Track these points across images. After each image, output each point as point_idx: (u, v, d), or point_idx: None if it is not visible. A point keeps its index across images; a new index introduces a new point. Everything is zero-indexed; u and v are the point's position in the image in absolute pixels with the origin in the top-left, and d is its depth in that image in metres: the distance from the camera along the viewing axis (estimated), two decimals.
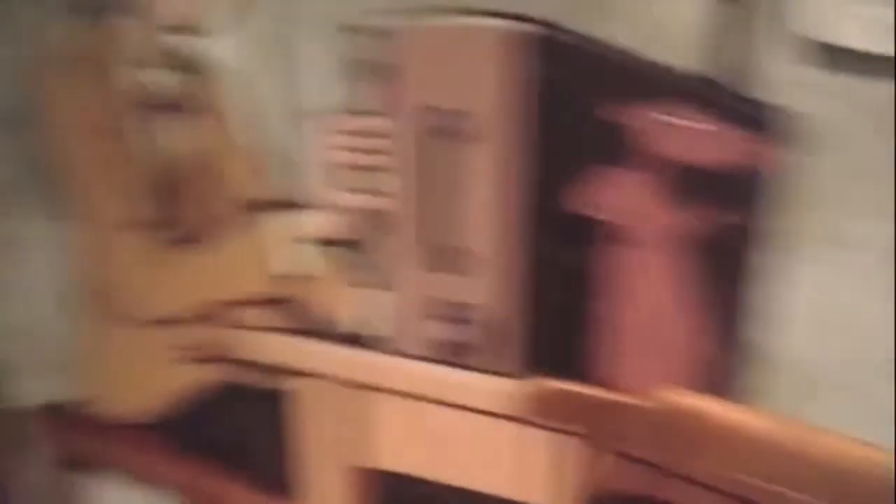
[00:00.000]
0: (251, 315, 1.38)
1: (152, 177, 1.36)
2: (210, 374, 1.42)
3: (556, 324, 1.03)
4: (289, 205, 1.36)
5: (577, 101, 1.01)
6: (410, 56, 1.03)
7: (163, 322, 1.38)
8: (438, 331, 1.05)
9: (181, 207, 1.39)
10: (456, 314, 1.04)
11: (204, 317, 1.38)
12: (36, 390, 1.71)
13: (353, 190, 1.13)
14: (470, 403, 1.02)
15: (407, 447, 1.08)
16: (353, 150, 1.12)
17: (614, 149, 1.03)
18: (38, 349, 1.70)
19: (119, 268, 1.35)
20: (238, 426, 1.40)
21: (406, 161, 1.04)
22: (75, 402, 1.55)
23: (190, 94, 1.42)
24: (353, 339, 1.09)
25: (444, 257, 1.04)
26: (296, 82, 1.49)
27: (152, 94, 1.34)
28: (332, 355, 1.10)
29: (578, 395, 0.96)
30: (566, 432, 0.96)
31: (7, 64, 1.41)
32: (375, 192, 1.09)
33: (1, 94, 1.45)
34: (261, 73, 1.47)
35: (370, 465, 1.10)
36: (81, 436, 1.56)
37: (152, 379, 1.45)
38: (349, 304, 1.11)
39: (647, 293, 1.07)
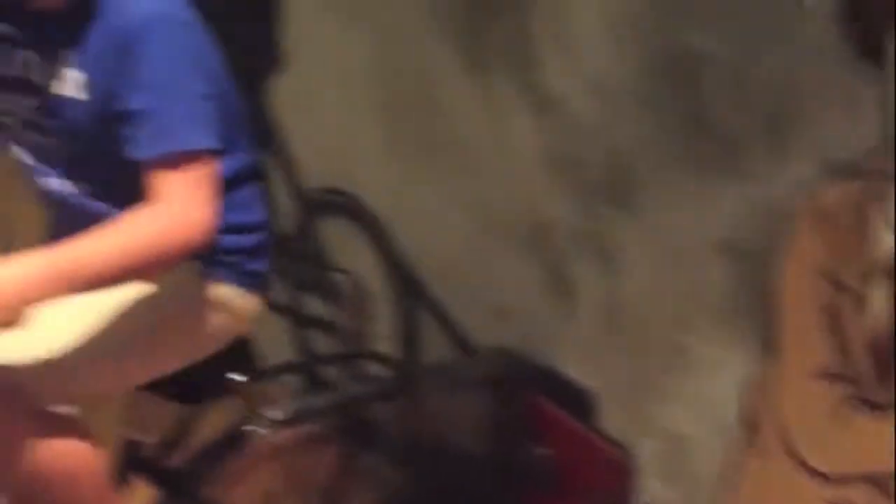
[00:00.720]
0: None
1: (868, 336, 1.39)
2: None
3: None
4: None
5: None
6: None
7: (823, 476, 1.40)
8: None
9: (884, 372, 1.40)
10: None
11: (870, 483, 1.37)
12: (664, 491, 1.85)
13: None
14: None
15: None
16: None
17: None
18: (687, 458, 1.83)
19: (799, 412, 1.39)
20: None
21: None
22: None
23: None
24: None
25: None
26: None
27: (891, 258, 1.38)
28: None
29: None
30: None
31: (762, 203, 1.56)
32: None
33: (746, 233, 1.61)
34: None
35: None
36: None
37: None
38: None
39: None
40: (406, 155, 2.47)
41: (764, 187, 1.57)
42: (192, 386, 1.83)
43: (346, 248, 2.64)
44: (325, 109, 2.64)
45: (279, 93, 2.77)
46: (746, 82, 1.58)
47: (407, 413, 2.15)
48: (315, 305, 2.61)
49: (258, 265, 1.75)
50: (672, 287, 1.81)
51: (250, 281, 1.73)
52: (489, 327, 2.25)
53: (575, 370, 2.04)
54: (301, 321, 2.71)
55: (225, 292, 1.70)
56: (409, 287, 2.46)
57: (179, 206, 1.46)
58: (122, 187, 1.53)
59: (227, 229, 1.67)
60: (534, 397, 2.08)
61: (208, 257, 1.66)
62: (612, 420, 1.96)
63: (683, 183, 1.73)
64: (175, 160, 1.46)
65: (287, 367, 2.49)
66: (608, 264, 1.93)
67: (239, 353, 1.88)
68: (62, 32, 1.53)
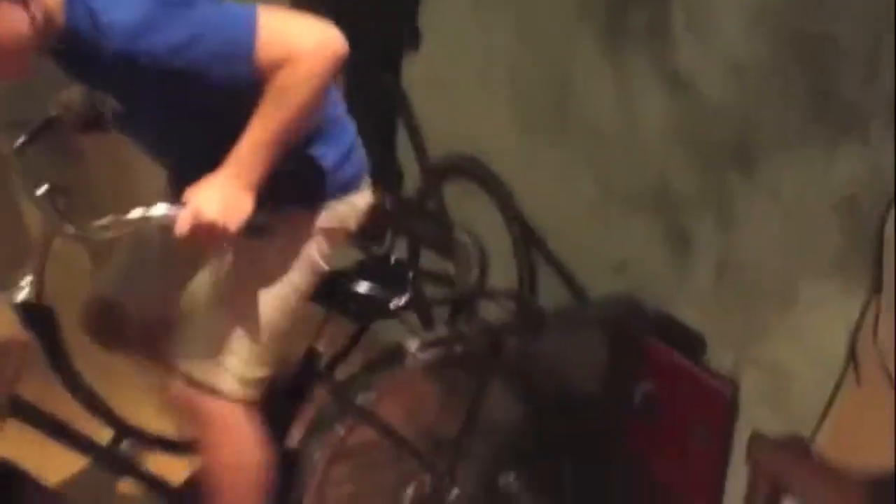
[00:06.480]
0: None
1: None
2: None
3: None
4: None
5: None
6: None
7: None
8: None
9: None
10: None
11: None
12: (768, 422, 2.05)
13: None
14: None
15: None
16: None
17: None
18: (791, 392, 2.03)
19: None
20: None
21: None
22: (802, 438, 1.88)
23: None
24: None
25: None
26: None
27: None
28: None
29: None
30: None
31: (880, 168, 1.74)
32: None
33: (863, 195, 1.78)
34: None
35: None
36: (794, 467, 1.89)
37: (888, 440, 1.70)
38: None
39: None
40: (535, 129, 2.64)
41: (884, 155, 1.71)
42: (364, 309, 2.12)
43: (469, 210, 2.87)
44: (461, 87, 2.82)
45: (417, 70, 2.99)
46: (873, 62, 1.72)
47: (532, 346, 2.40)
48: (437, 263, 2.78)
49: (351, 169, 1.95)
50: (786, 243, 1.97)
51: (350, 187, 1.96)
52: (607, 280, 2.45)
53: (687, 317, 2.26)
54: (421, 276, 2.93)
55: (330, 211, 1.92)
56: (529, 241, 2.67)
57: (306, 43, 1.58)
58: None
59: (331, 164, 1.90)
60: (646, 338, 2.31)
61: (314, 197, 1.90)
62: (721, 359, 2.16)
63: (806, 150, 1.87)
64: (260, 37, 1.58)
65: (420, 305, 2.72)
66: (725, 222, 2.11)
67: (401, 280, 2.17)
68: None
